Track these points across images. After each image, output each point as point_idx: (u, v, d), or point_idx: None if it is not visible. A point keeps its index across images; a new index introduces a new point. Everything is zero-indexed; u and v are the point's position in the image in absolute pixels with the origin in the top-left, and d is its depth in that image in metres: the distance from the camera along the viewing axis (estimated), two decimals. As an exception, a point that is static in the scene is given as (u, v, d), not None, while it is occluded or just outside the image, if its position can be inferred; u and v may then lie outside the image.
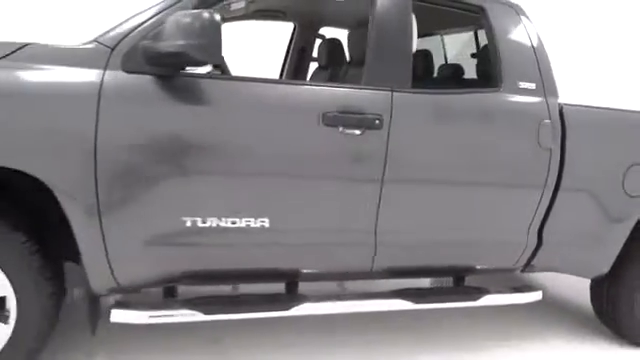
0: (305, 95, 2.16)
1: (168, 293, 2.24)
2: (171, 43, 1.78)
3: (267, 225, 2.11)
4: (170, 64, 1.89)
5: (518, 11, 2.57)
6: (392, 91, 2.21)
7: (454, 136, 2.32)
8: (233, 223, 2.07)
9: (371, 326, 2.72)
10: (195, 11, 1.78)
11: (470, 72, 3.15)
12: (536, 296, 2.67)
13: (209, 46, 1.76)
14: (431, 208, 2.34)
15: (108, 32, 1.97)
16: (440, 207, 2.35)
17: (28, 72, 1.83)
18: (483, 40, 3.07)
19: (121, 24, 1.99)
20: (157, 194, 1.95)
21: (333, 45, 3.26)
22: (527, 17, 2.57)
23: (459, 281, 2.67)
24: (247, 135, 2.04)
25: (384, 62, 2.24)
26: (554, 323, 3.14)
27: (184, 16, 1.77)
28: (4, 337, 1.92)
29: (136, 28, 1.95)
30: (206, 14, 1.75)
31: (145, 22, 1.97)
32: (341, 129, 2.11)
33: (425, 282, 2.57)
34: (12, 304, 1.91)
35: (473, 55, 3.20)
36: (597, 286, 2.93)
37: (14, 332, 1.93)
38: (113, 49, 1.91)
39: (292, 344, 2.55)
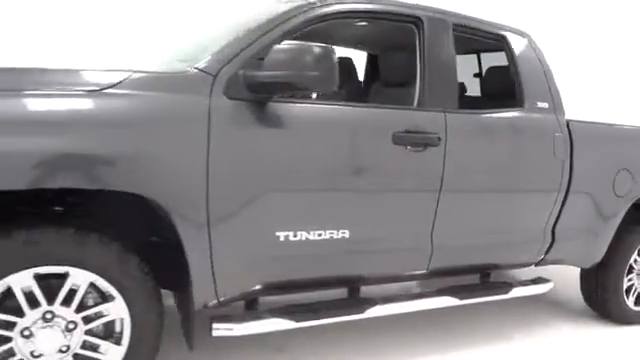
0: (379, 117, 2.38)
1: (249, 305, 2.35)
2: (288, 73, 1.93)
3: (347, 236, 2.31)
4: (277, 92, 2.04)
5: (530, 40, 2.96)
6: (444, 112, 2.50)
7: (492, 150, 2.66)
8: (319, 235, 2.25)
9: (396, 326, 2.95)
10: (311, 44, 1.94)
11: (475, 90, 3.52)
12: (550, 286, 3.08)
13: (326, 77, 1.93)
14: (474, 213, 2.66)
15: (208, 59, 2.08)
16: (481, 212, 2.68)
17: (142, 100, 1.91)
18: (486, 62, 3.47)
19: (220, 51, 2.11)
20: (256, 212, 2.09)
21: (348, 64, 3.51)
22: (536, 44, 2.98)
23: (484, 277, 3.01)
24: (332, 155, 2.23)
25: (436, 85, 2.52)
26: (550, 311, 3.59)
27: (301, 48, 1.93)
28: (118, 358, 1.97)
29: (235, 56, 2.08)
30: (323, 48, 1.93)
31: (243, 51, 2.10)
32: (408, 147, 2.37)
33: (449, 281, 2.87)
34: (127, 325, 1.96)
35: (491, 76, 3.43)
36: (587, 275, 3.41)
37: (127, 353, 1.98)
38: (215, 76, 2.03)
39: (348, 348, 2.74)
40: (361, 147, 2.31)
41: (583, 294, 3.51)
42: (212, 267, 2.04)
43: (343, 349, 2.72)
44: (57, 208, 2.03)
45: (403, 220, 2.47)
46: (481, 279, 3.00)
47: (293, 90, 2.03)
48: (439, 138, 2.43)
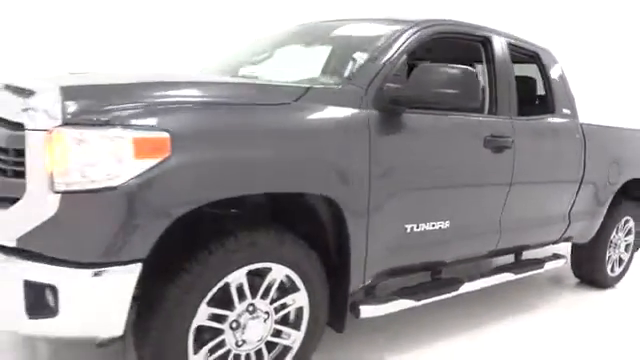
0: (475, 124, 2.80)
1: (368, 291, 2.66)
2: (436, 91, 2.26)
3: (448, 225, 2.71)
4: (422, 106, 2.37)
5: (554, 55, 3.56)
6: (512, 119, 2.99)
7: (541, 149, 3.20)
8: (432, 226, 2.63)
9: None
10: (454, 65, 2.30)
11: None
12: (565, 259, 3.74)
13: (468, 95, 2.29)
14: (528, 202, 3.19)
15: (357, 74, 2.36)
16: (532, 200, 3.22)
17: (322, 112, 2.15)
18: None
19: (365, 66, 2.40)
20: (395, 207, 2.41)
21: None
22: (557, 59, 3.58)
23: (517, 256, 3.57)
24: (445, 156, 2.62)
25: (503, 95, 2.99)
26: (548, 286, 4.28)
27: (446, 69, 2.28)
28: (298, 342, 2.20)
29: (378, 73, 2.37)
30: (465, 69, 2.29)
31: (383, 68, 2.40)
32: (492, 149, 2.82)
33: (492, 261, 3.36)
34: (306, 312, 2.20)
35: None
36: (577, 250, 4.13)
37: (304, 337, 2.22)
38: (366, 90, 2.32)
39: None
40: (464, 150, 2.71)
41: (574, 267, 4.24)
42: (366, 255, 2.34)
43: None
44: (233, 210, 2.19)
45: (485, 209, 2.93)
46: (515, 258, 3.56)
47: (439, 106, 2.38)
48: (513, 141, 2.92)
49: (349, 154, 2.19)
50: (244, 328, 2.03)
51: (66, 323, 1.70)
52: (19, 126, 1.76)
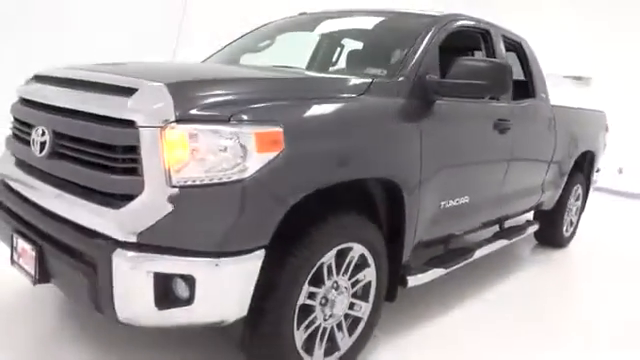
0: (488, 109, 3.12)
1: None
2: (474, 82, 2.53)
3: (468, 200, 3.04)
4: (460, 96, 2.63)
5: (531, 47, 3.97)
6: (509, 103, 3.36)
7: (529, 129, 3.62)
8: (457, 202, 2.95)
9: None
10: (488, 59, 2.58)
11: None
12: (538, 224, 4.26)
13: (501, 85, 2.58)
14: (519, 176, 3.60)
15: (403, 67, 2.58)
16: (522, 174, 3.64)
17: (383, 104, 2.36)
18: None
19: (408, 59, 2.61)
20: (434, 185, 2.68)
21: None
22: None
23: (501, 225, 4.01)
24: (470, 138, 2.93)
25: (509, 83, 3.31)
26: (513, 250, 4.80)
27: (485, 63, 2.55)
28: (367, 313, 2.43)
29: (420, 65, 2.60)
30: (499, 63, 2.58)
31: (423, 60, 2.63)
32: (498, 131, 3.18)
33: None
34: (373, 285, 2.43)
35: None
36: (540, 216, 4.69)
37: (372, 308, 2.45)
38: (413, 81, 2.54)
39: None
40: (481, 132, 3.04)
41: (536, 233, 4.78)
42: (415, 230, 2.60)
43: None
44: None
45: (491, 185, 3.30)
46: (500, 227, 3.99)
47: (475, 95, 2.65)
48: (512, 123, 3.29)
49: (408, 140, 2.42)
50: (332, 303, 2.21)
51: (200, 310, 1.79)
52: (129, 124, 1.79)
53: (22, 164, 2.32)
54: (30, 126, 2.21)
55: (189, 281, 1.75)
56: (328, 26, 3.34)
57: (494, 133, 3.14)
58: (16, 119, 2.43)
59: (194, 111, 1.81)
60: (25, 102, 2.37)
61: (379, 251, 2.39)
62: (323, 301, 2.19)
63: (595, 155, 4.98)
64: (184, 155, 1.77)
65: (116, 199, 1.84)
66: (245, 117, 1.81)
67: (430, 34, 2.77)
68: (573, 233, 5.03)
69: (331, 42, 3.28)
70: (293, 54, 3.44)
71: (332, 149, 2.04)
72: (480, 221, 3.42)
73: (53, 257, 2.02)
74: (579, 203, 5.02)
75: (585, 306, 3.68)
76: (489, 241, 3.56)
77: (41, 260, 2.05)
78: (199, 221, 1.77)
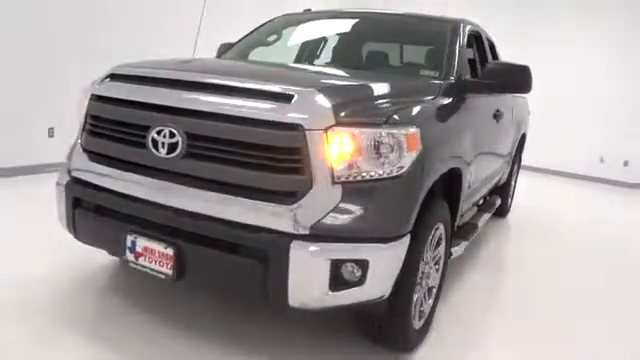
0: (491, 102, 3.63)
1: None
2: (503, 82, 3.00)
3: (480, 181, 3.57)
4: (490, 93, 3.10)
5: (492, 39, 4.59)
6: (497, 95, 3.93)
7: (507, 115, 4.23)
8: (476, 182, 3.45)
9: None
10: (518, 63, 3.06)
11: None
12: (499, 199, 4.98)
13: (525, 85, 3.08)
14: (500, 156, 4.22)
15: (450, 69, 2.98)
16: (501, 155, 4.27)
17: (453, 103, 2.76)
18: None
19: (450, 63, 3.02)
20: (469, 169, 3.14)
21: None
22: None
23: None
24: (485, 127, 3.43)
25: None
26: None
27: (509, 65, 3.02)
28: (437, 283, 2.82)
29: (460, 67, 3.03)
30: (523, 65, 3.07)
31: (460, 62, 3.05)
32: (496, 120, 3.74)
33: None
34: (442, 259, 2.82)
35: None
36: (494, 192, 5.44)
37: (440, 279, 2.85)
38: (457, 81, 2.96)
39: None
40: (489, 121, 3.56)
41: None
42: (461, 210, 3.05)
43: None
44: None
45: (489, 166, 3.86)
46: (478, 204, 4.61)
47: (502, 92, 3.13)
48: (501, 112, 3.87)
49: (465, 132, 2.84)
50: (427, 276, 2.58)
51: (368, 289, 2.05)
52: (293, 127, 1.97)
53: (126, 165, 2.31)
54: (142, 127, 2.22)
55: (363, 264, 2.00)
56: (347, 25, 3.60)
57: (494, 122, 3.68)
58: (106, 119, 2.40)
59: (350, 115, 2.04)
60: (118, 102, 2.35)
61: (449, 230, 2.79)
62: (422, 275, 2.54)
63: (526, 136, 5.84)
64: (346, 154, 2.00)
65: (280, 196, 2.00)
66: (397, 120, 2.08)
67: (459, 38, 3.20)
68: (511, 204, 5.89)
69: (357, 41, 3.54)
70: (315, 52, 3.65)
71: (442, 145, 2.39)
72: (479, 197, 3.98)
73: (197, 254, 2.12)
74: (514, 178, 5.88)
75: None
76: (479, 216, 4.14)
77: (180, 258, 2.13)
78: (363, 212, 2.02)
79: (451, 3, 9.31)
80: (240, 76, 2.24)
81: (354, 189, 2.01)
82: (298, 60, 3.73)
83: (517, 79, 3.04)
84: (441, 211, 2.59)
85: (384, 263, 2.06)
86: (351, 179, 2.01)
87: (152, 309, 2.78)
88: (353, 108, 2.07)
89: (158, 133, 2.16)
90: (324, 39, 3.67)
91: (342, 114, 2.01)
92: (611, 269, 4.35)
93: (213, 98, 2.11)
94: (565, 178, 8.95)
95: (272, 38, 3.64)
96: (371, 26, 3.58)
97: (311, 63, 3.46)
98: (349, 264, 2.00)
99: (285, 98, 2.01)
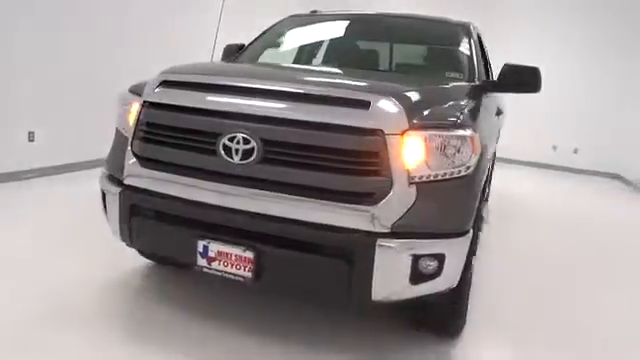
0: (496, 99, 3.88)
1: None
2: (517, 83, 3.24)
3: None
4: (507, 92, 3.33)
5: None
6: (495, 93, 4.21)
7: (500, 110, 4.52)
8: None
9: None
10: (530, 65, 3.30)
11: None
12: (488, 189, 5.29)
13: (535, 85, 3.32)
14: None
15: (473, 71, 3.18)
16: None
17: (485, 101, 2.96)
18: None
19: (472, 65, 3.22)
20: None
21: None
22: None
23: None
24: (494, 122, 3.68)
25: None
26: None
27: (521, 68, 3.26)
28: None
29: (480, 69, 3.25)
30: (533, 68, 3.32)
31: (480, 65, 3.27)
32: (497, 118, 4.00)
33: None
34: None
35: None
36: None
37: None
38: (480, 82, 3.18)
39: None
40: (495, 118, 3.81)
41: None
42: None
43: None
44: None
45: (491, 159, 4.13)
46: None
47: (515, 92, 3.37)
48: (500, 110, 4.14)
49: (491, 130, 3.07)
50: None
51: (442, 281, 2.21)
52: (372, 132, 2.10)
53: (191, 171, 2.34)
54: (211, 134, 2.26)
55: (440, 258, 2.16)
56: (361, 27, 3.73)
57: (496, 118, 3.94)
58: (166, 126, 2.41)
59: (421, 119, 2.18)
60: (177, 109, 2.37)
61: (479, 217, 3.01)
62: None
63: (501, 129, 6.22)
64: (420, 156, 2.15)
65: (361, 198, 2.12)
66: (463, 123, 2.25)
67: (474, 40, 3.41)
68: (490, 190, 6.26)
69: (374, 43, 3.68)
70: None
71: (487, 144, 2.59)
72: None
73: (276, 257, 2.20)
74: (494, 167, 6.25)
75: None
76: (482, 206, 4.40)
77: (259, 260, 2.21)
78: (438, 210, 2.18)
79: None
80: (310, 84, 2.33)
81: (428, 189, 2.15)
82: (318, 61, 3.81)
83: (528, 80, 3.28)
84: (479, 205, 2.79)
85: (457, 256, 2.22)
86: (424, 179, 2.15)
87: (191, 308, 2.83)
88: (423, 113, 2.22)
89: (230, 140, 2.20)
90: (340, 41, 3.77)
91: (414, 119, 2.15)
92: (580, 238, 5.17)
93: (290, 105, 2.19)
94: (521, 165, 9.54)
95: (286, 40, 3.71)
96: (385, 28, 3.72)
97: (337, 66, 3.54)
98: (428, 258, 2.15)
99: (362, 105, 2.13)
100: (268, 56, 3.69)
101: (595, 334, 3.04)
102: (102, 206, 2.73)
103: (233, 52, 3.88)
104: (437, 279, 2.18)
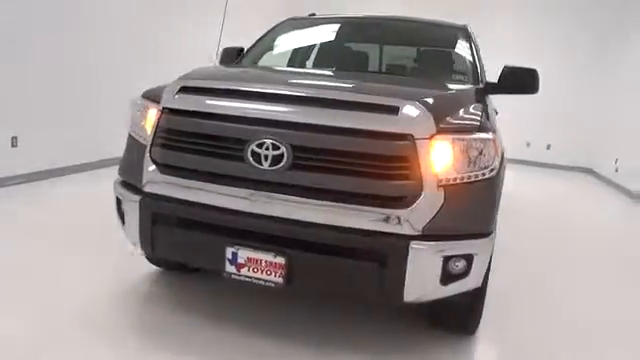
0: (492, 101, 3.97)
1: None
2: (517, 84, 3.33)
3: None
4: (511, 93, 3.43)
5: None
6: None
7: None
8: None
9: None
10: (529, 67, 3.40)
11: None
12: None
13: (533, 86, 3.42)
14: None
15: (477, 73, 3.26)
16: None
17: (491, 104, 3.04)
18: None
19: (476, 68, 3.30)
20: None
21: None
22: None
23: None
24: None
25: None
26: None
27: (522, 69, 3.35)
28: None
29: (483, 72, 3.33)
30: (532, 69, 3.41)
31: (480, 67, 3.36)
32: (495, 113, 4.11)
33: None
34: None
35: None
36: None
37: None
38: (483, 85, 3.27)
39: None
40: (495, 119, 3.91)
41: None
42: None
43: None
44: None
45: None
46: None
47: (514, 93, 3.47)
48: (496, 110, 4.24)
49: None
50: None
51: (470, 281, 2.27)
52: (403, 137, 2.14)
53: (216, 177, 2.33)
54: (238, 141, 2.26)
55: (469, 258, 2.22)
56: (363, 30, 3.77)
57: (495, 115, 4.05)
58: (188, 133, 2.39)
59: (447, 123, 2.24)
60: (199, 115, 2.36)
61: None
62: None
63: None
64: (448, 159, 2.20)
65: (393, 201, 2.16)
66: (486, 126, 2.32)
67: (473, 43, 3.49)
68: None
69: (379, 46, 3.72)
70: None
71: (502, 146, 2.66)
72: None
73: (308, 261, 2.22)
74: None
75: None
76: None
77: (290, 266, 2.23)
78: (466, 211, 2.24)
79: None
80: (337, 89, 2.36)
81: (455, 191, 2.21)
82: (322, 65, 3.82)
83: (527, 81, 3.38)
84: None
85: (484, 256, 2.29)
86: (451, 182, 2.21)
87: (204, 312, 2.82)
88: (447, 117, 2.27)
89: (259, 146, 2.21)
90: (345, 44, 3.79)
91: (441, 123, 2.21)
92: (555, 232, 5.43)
93: (319, 111, 2.21)
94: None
95: (289, 43, 3.71)
96: (387, 31, 3.76)
97: (347, 69, 3.55)
98: (458, 259, 2.21)
99: (391, 110, 2.17)
100: (272, 59, 3.69)
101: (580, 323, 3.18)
102: (117, 214, 2.69)
103: (231, 55, 3.85)
104: (465, 279, 2.24)
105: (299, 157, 2.19)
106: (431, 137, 2.17)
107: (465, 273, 2.23)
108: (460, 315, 2.68)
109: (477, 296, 2.56)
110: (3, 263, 3.30)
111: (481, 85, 3.18)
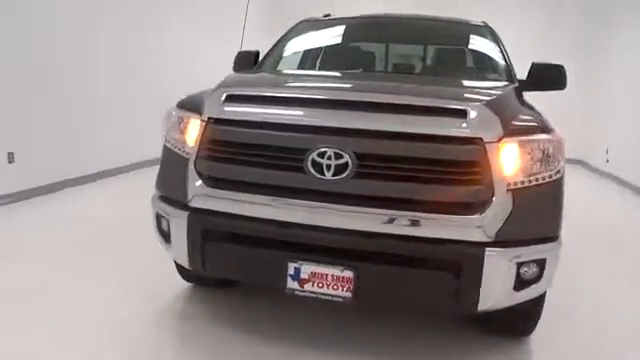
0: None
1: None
2: (546, 80, 3.29)
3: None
4: (538, 90, 3.39)
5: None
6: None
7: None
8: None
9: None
10: (557, 64, 3.37)
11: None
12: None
13: (562, 82, 3.38)
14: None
15: (510, 72, 3.22)
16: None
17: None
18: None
19: (509, 67, 3.25)
20: None
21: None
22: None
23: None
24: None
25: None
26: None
27: (549, 65, 3.31)
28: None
29: (513, 70, 3.29)
30: (560, 65, 3.38)
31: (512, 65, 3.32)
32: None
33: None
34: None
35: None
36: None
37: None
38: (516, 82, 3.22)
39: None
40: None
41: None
42: None
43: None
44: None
45: None
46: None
47: (545, 89, 3.43)
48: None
49: None
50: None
51: (541, 286, 2.22)
52: (473, 141, 2.07)
53: (272, 190, 2.22)
54: (296, 150, 2.16)
55: (541, 263, 2.16)
56: (386, 30, 3.69)
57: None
58: (239, 144, 2.28)
59: (512, 125, 2.18)
60: (250, 125, 2.25)
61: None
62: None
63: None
64: (516, 162, 2.14)
65: (464, 208, 2.08)
66: (547, 127, 2.27)
67: (499, 40, 3.45)
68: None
69: (406, 46, 3.64)
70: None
71: None
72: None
73: (377, 273, 2.13)
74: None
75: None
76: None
77: (358, 279, 2.13)
78: (536, 215, 2.19)
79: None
80: (395, 93, 2.27)
81: (524, 194, 2.15)
82: (349, 67, 3.72)
83: (556, 77, 3.36)
84: None
85: (554, 259, 2.23)
86: (519, 185, 2.15)
87: (242, 326, 2.70)
88: (510, 119, 2.21)
89: (320, 155, 2.11)
90: (373, 45, 3.70)
91: (507, 126, 2.14)
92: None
93: (382, 116, 2.12)
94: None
95: (313, 45, 3.61)
96: (413, 30, 3.68)
97: (385, 71, 3.46)
98: (531, 264, 2.15)
99: (459, 114, 2.09)
100: (295, 63, 3.57)
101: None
102: (157, 230, 2.55)
103: (248, 59, 3.73)
104: (538, 284, 2.19)
105: (363, 165, 2.10)
106: (499, 140, 2.10)
107: (537, 278, 2.18)
108: (521, 318, 2.62)
109: (539, 298, 2.50)
110: (28, 284, 3.11)
111: (516, 83, 3.13)
